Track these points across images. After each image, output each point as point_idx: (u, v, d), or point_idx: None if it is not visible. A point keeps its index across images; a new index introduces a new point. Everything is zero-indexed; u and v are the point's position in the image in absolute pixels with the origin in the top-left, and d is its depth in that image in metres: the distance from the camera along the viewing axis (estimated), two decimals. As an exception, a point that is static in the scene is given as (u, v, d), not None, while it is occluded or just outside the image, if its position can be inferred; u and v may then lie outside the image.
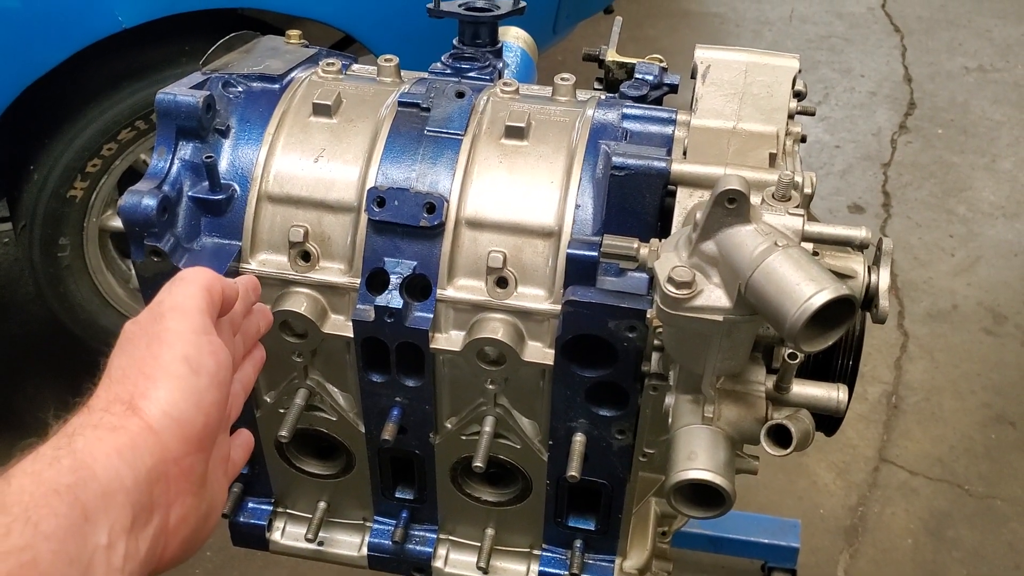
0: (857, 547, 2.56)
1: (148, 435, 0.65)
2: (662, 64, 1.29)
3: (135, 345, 0.71)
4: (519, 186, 1.05)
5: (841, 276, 0.98)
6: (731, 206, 0.79)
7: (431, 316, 1.03)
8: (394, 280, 1.03)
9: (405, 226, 1.03)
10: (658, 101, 1.22)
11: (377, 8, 2.50)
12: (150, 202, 1.02)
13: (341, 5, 2.47)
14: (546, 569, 1.23)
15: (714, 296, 0.80)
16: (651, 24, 5.10)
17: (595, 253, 0.98)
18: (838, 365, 1.09)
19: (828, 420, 1.11)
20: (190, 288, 0.75)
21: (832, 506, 2.66)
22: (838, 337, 0.75)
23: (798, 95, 1.19)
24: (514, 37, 1.74)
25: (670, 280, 0.80)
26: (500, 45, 1.30)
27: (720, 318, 0.80)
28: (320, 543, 1.28)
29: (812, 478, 2.73)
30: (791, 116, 1.13)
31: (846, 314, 0.74)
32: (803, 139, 1.27)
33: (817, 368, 1.09)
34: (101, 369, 0.71)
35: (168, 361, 0.69)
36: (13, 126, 2.21)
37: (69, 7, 2.09)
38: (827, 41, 5.17)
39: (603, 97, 1.18)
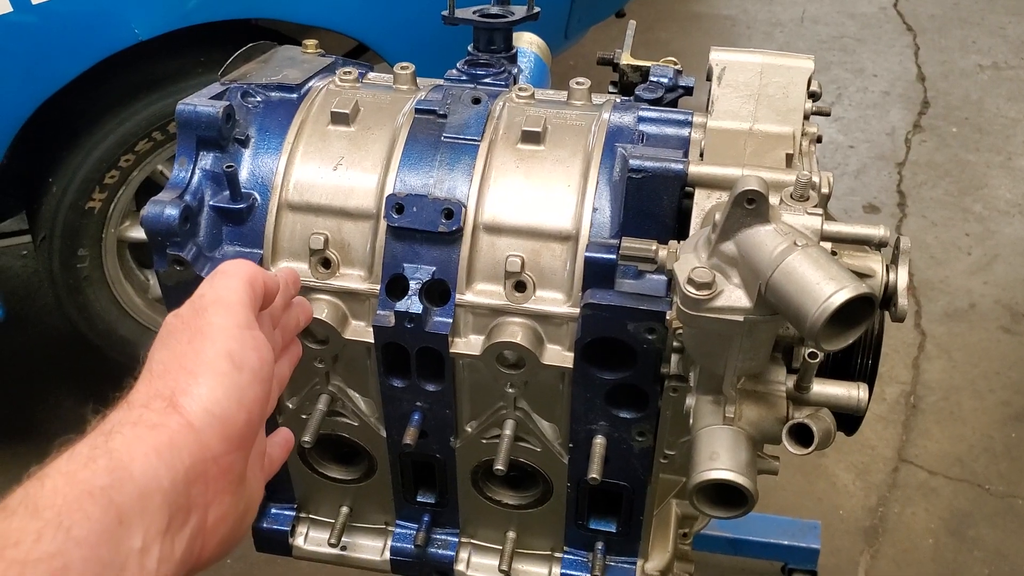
0: (878, 548, 2.55)
1: (188, 433, 0.64)
2: (677, 67, 1.29)
3: (177, 339, 0.70)
4: (536, 190, 1.05)
5: (859, 275, 0.98)
6: (750, 206, 0.79)
7: (450, 321, 1.04)
8: (413, 286, 1.03)
9: (424, 232, 1.04)
10: (673, 103, 1.23)
11: (390, 17, 2.52)
12: (172, 212, 1.03)
13: (354, 14, 2.48)
14: (568, 571, 1.24)
15: (734, 296, 0.80)
16: (662, 27, 5.10)
17: (613, 256, 0.99)
18: (858, 364, 1.09)
19: (848, 419, 1.11)
20: (232, 281, 0.73)
21: (852, 507, 2.65)
22: (858, 336, 0.75)
23: (813, 96, 1.19)
24: (528, 43, 1.75)
25: (690, 281, 0.80)
26: (515, 51, 1.31)
27: (741, 318, 0.80)
28: (343, 548, 1.29)
29: (831, 479, 2.72)
30: (807, 116, 1.13)
31: (866, 313, 0.74)
32: (819, 139, 1.27)
33: (836, 367, 1.10)
34: (141, 362, 0.70)
35: (211, 357, 0.68)
36: (32, 139, 2.23)
37: (86, 21, 2.12)
38: (839, 41, 5.16)
39: (618, 100, 1.19)
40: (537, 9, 1.31)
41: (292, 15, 2.41)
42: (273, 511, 1.30)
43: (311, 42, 1.30)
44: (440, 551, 1.26)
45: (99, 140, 2.25)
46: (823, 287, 0.73)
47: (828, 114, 1.25)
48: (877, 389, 2.98)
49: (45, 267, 2.39)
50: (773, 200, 0.84)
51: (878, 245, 0.87)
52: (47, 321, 3.18)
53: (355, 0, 2.49)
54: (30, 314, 3.22)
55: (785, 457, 1.03)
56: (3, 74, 2.07)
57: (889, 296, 0.98)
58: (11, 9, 2.01)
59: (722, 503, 0.87)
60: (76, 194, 2.27)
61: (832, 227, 0.85)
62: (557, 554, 1.25)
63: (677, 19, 5.30)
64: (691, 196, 0.99)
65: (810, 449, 0.84)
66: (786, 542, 2.31)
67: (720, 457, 0.85)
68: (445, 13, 1.28)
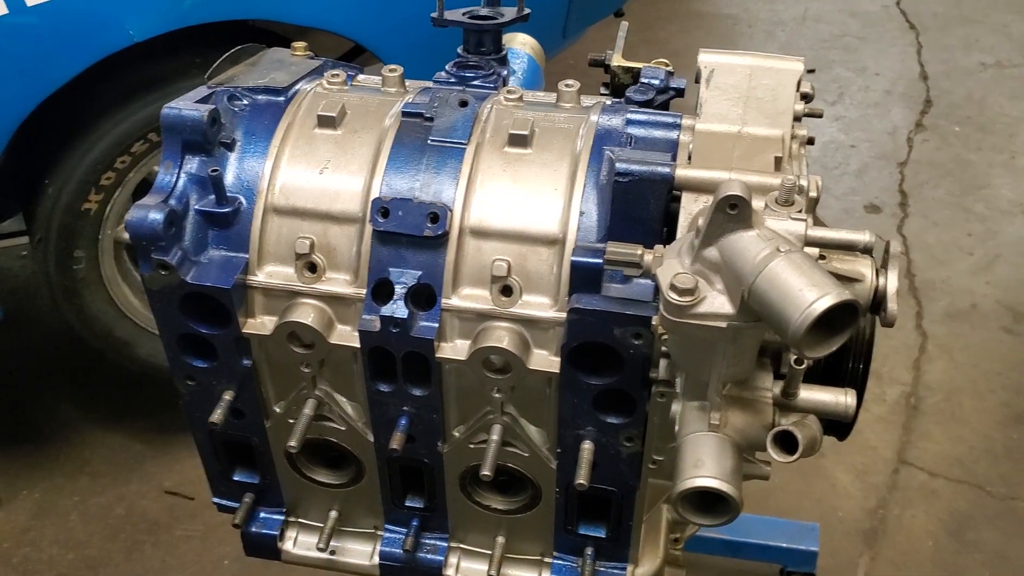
0: (877, 550, 2.54)
1: None
2: (668, 68, 1.28)
3: None
4: (523, 194, 1.05)
5: (849, 279, 0.97)
6: (733, 211, 0.78)
7: (436, 326, 1.03)
8: (399, 290, 1.03)
9: (409, 236, 1.03)
10: (664, 105, 1.22)
11: (387, 18, 2.51)
12: (157, 216, 1.02)
13: (351, 15, 2.47)
14: (557, 577, 1.23)
15: (717, 303, 0.80)
16: (662, 26, 5.08)
17: (600, 260, 0.98)
18: (848, 369, 1.08)
19: (840, 424, 1.11)
20: None
21: (851, 509, 2.64)
22: (842, 342, 0.74)
23: (805, 97, 1.18)
24: (521, 43, 1.74)
25: (672, 287, 0.80)
26: (505, 52, 1.30)
27: (724, 325, 0.79)
28: (332, 552, 1.29)
29: (831, 481, 2.71)
30: (798, 119, 1.12)
31: (850, 319, 0.73)
32: (811, 141, 1.26)
33: (827, 372, 1.09)
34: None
35: None
36: (28, 140, 2.23)
37: (81, 22, 2.11)
38: (841, 40, 5.14)
39: (608, 103, 1.18)
40: (527, 11, 1.30)
41: (288, 16, 2.40)
42: (262, 515, 1.30)
43: (300, 44, 1.29)
44: (429, 556, 1.25)
45: (95, 141, 2.24)
46: (805, 294, 0.72)
47: (820, 115, 1.24)
48: (877, 390, 2.98)
49: (42, 268, 2.39)
50: (758, 205, 0.84)
51: (864, 250, 0.86)
52: (46, 322, 3.17)
53: (351, 1, 2.48)
54: (29, 315, 3.21)
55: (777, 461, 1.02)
56: (-1, 75, 2.07)
57: (879, 301, 0.97)
58: (6, 11, 2.01)
59: (707, 510, 0.86)
60: (72, 195, 2.27)
61: (816, 232, 0.84)
62: (547, 559, 1.25)
63: (677, 18, 5.29)
64: (679, 200, 0.99)
65: (794, 457, 0.83)
66: (784, 544, 2.30)
67: (705, 464, 0.85)
68: (434, 15, 1.27)
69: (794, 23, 5.32)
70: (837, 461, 2.75)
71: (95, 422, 2.85)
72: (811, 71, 4.80)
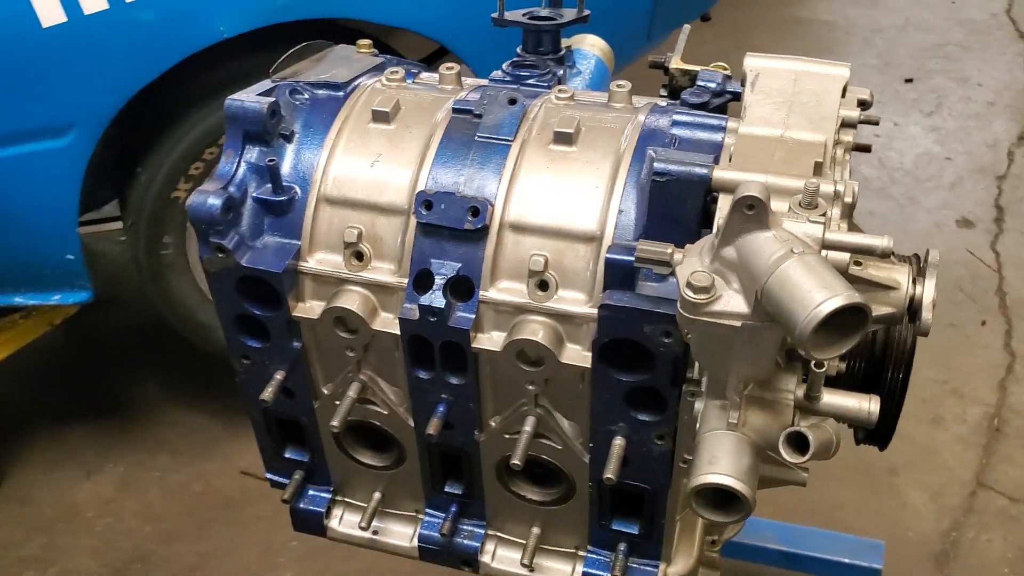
0: (948, 573, 2.46)
1: None
2: (726, 71, 1.29)
3: None
4: (564, 191, 1.07)
5: (883, 287, 0.97)
6: (750, 212, 0.79)
7: (472, 316, 1.06)
8: (438, 281, 1.06)
9: (451, 229, 1.06)
10: (721, 108, 1.22)
11: (471, 19, 2.55)
12: (215, 201, 1.08)
13: (436, 16, 2.52)
14: (590, 570, 1.24)
15: (733, 302, 0.81)
16: (756, 33, 5.01)
17: (634, 258, 0.99)
18: (888, 379, 1.07)
19: (879, 433, 1.10)
20: None
21: (923, 529, 2.57)
22: (851, 346, 0.74)
23: (862, 104, 1.17)
24: (591, 45, 1.75)
25: (689, 285, 0.81)
26: (563, 53, 1.32)
27: (738, 323, 0.80)
28: (375, 532, 1.33)
29: (902, 499, 2.64)
30: (852, 125, 1.11)
31: (860, 322, 0.73)
32: (866, 149, 1.25)
33: (867, 381, 1.08)
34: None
35: None
36: (123, 130, 2.35)
37: (175, 19, 2.22)
38: (943, 49, 4.98)
39: (660, 104, 1.19)
40: (587, 12, 1.32)
41: (375, 15, 2.47)
42: (310, 492, 1.35)
43: (365, 42, 1.34)
44: (466, 541, 1.28)
45: (184, 133, 2.35)
46: (814, 294, 0.72)
47: (877, 123, 1.23)
48: (958, 410, 2.89)
49: (132, 252, 2.51)
50: (781, 207, 0.84)
51: (881, 255, 0.85)
52: (136, 305, 3.32)
53: (437, 1, 2.53)
54: (121, 297, 3.36)
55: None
56: (98, 68, 2.18)
57: (915, 309, 0.96)
58: (107, 7, 2.12)
59: (721, 508, 0.87)
60: (162, 184, 2.38)
61: (833, 236, 0.84)
62: (581, 552, 1.26)
63: (772, 24, 5.20)
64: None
65: (806, 458, 0.83)
66: (847, 560, 2.25)
67: (719, 462, 0.85)
68: (495, 15, 1.30)
69: (894, 30, 5.18)
70: (910, 480, 2.68)
71: (177, 402, 2.98)
72: (909, 80, 4.67)
